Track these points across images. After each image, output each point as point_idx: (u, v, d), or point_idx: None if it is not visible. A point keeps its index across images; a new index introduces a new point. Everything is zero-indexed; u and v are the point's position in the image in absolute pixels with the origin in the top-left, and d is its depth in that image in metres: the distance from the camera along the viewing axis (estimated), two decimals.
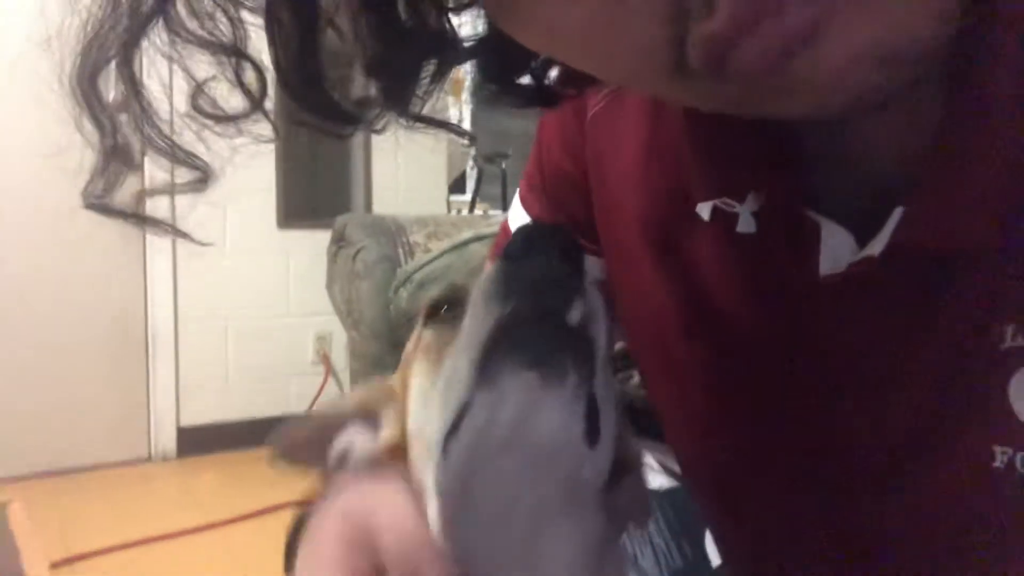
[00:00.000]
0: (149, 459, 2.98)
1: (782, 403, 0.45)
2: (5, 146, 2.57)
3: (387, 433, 0.42)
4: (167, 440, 3.01)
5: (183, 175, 0.39)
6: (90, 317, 2.86)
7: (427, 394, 0.37)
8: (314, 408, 0.49)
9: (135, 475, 2.84)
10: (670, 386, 0.53)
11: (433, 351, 0.38)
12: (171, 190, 0.39)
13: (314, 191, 3.26)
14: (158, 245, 2.90)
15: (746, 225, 0.42)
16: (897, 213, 0.35)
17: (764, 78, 0.28)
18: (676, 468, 0.73)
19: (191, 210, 0.40)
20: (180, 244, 3.07)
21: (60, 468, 2.76)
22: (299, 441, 0.44)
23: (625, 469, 0.39)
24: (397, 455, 0.39)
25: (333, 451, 0.42)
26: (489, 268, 0.34)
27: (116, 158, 0.37)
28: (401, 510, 0.36)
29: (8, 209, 2.66)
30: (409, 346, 0.44)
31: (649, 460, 0.75)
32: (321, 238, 2.09)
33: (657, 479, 0.73)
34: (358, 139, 3.38)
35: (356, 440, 0.42)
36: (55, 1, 0.35)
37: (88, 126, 0.36)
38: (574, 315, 0.31)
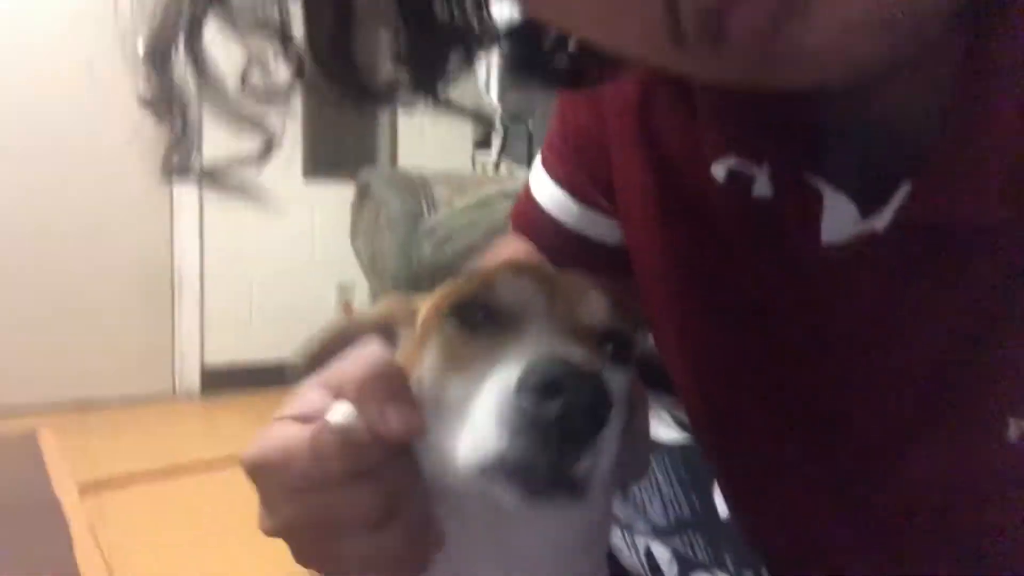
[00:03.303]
0: (173, 395, 3.06)
1: (787, 361, 0.45)
2: (38, 89, 2.60)
3: (401, 356, 0.44)
4: (191, 377, 3.08)
5: (247, 145, 0.40)
6: (118, 254, 2.91)
7: (441, 380, 0.39)
8: (334, 319, 0.49)
9: (159, 410, 2.91)
10: (679, 341, 0.54)
11: (455, 347, 0.40)
12: (237, 160, 0.42)
13: (340, 143, 3.26)
14: (184, 189, 2.93)
15: (763, 189, 0.42)
16: (903, 188, 0.34)
17: (757, 47, 0.28)
18: (686, 420, 0.76)
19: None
20: (206, 189, 3.06)
21: (87, 398, 2.85)
22: (319, 351, 0.46)
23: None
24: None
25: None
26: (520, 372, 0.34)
27: (186, 132, 0.39)
28: (373, 352, 0.38)
29: (39, 150, 2.70)
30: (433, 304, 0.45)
31: (660, 413, 0.78)
32: (346, 189, 2.10)
33: (668, 432, 0.76)
34: None
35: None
36: None
37: (153, 105, 0.38)
38: (580, 468, 0.34)
